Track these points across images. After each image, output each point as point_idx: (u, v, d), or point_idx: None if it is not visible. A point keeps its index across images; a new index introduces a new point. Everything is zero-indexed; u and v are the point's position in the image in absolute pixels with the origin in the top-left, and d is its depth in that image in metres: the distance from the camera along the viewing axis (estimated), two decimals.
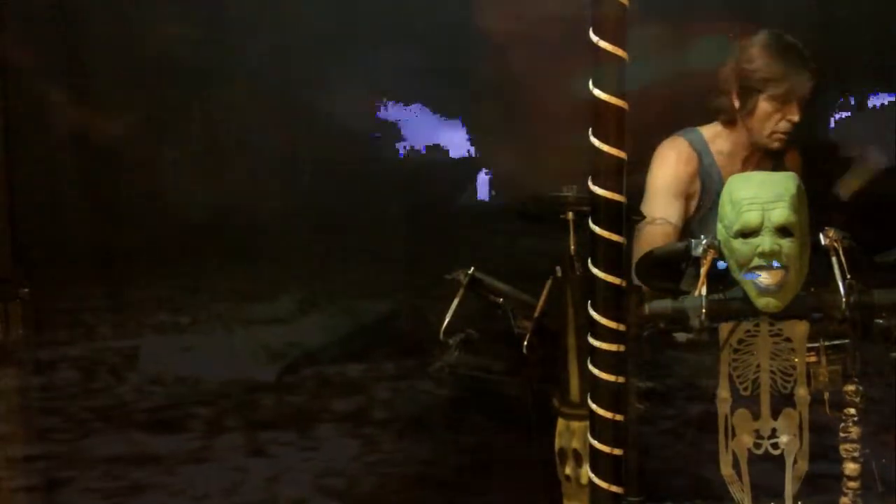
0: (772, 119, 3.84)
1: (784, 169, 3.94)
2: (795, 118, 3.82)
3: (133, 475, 4.52)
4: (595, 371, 2.79)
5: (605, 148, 2.71)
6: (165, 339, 5.43)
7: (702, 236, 3.19)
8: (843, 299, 3.04)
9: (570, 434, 3.28)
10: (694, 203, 3.92)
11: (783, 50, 3.81)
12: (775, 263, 2.99)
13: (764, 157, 3.93)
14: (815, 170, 3.99)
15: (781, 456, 3.14)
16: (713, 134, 3.94)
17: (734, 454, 3.14)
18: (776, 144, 3.87)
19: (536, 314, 3.38)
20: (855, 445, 3.09)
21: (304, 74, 5.07)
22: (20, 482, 4.44)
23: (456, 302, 3.44)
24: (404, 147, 5.07)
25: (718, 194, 3.83)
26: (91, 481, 4.50)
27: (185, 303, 5.37)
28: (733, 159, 3.91)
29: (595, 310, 2.77)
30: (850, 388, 3.10)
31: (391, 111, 5.01)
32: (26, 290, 5.00)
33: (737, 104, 3.86)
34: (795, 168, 4.01)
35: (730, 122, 3.91)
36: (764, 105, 3.83)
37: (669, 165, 3.90)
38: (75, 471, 4.61)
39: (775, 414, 3.14)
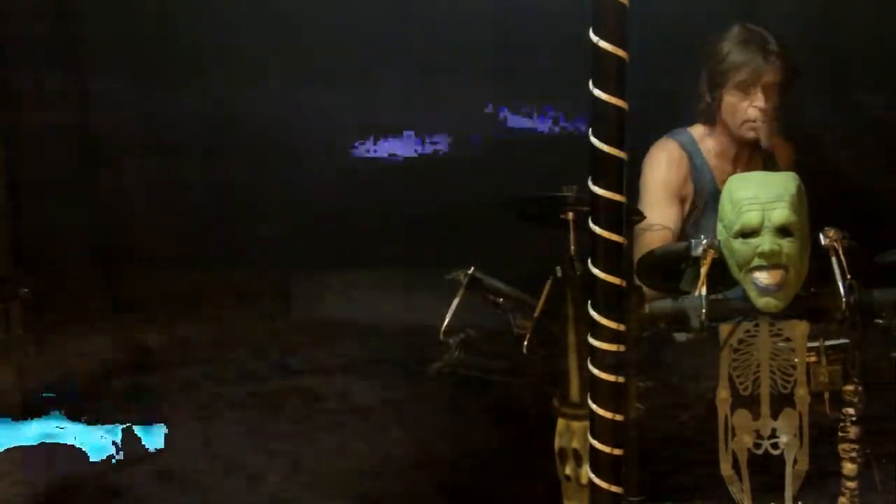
0: (739, 109, 3.83)
1: (775, 164, 3.93)
2: (761, 104, 3.80)
3: None
4: (595, 371, 2.78)
5: (605, 148, 2.71)
6: None
7: (702, 236, 3.19)
8: (843, 299, 3.04)
9: (570, 434, 3.28)
10: (687, 205, 3.91)
11: (746, 39, 3.81)
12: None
13: (754, 154, 3.93)
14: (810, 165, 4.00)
15: (781, 456, 3.14)
16: (702, 133, 3.94)
17: (734, 454, 3.14)
18: (750, 134, 3.85)
19: (536, 314, 3.38)
20: (853, 445, 3.09)
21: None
22: None
23: (456, 302, 3.44)
24: None
25: (711, 194, 3.85)
26: None
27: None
28: (723, 158, 3.92)
29: (595, 310, 2.77)
30: (850, 388, 3.10)
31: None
32: (26, 290, 5.00)
33: (708, 100, 3.88)
34: (787, 162, 4.01)
35: (710, 121, 3.92)
36: (729, 96, 3.83)
37: (661, 169, 3.90)
38: None
39: (775, 414, 3.14)
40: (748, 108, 3.81)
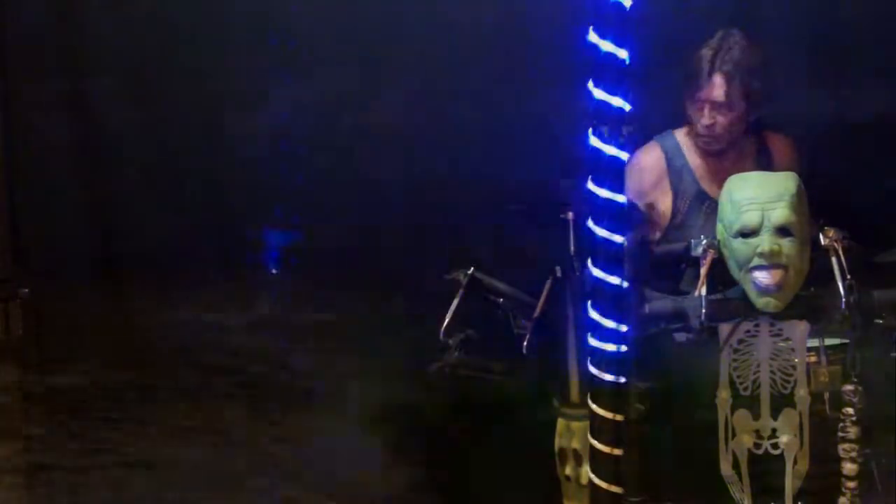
0: (695, 118, 3.84)
1: (771, 160, 3.93)
2: (705, 121, 3.79)
3: None
4: (595, 371, 2.79)
5: (605, 148, 2.72)
6: None
7: (701, 236, 3.19)
8: (843, 299, 3.04)
9: (570, 434, 3.28)
10: (668, 208, 3.90)
11: (710, 47, 3.81)
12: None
13: (743, 152, 3.92)
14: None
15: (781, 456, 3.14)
16: (685, 136, 3.94)
17: (734, 454, 3.14)
18: (703, 145, 3.87)
19: (536, 314, 3.38)
20: (853, 445, 3.09)
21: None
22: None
23: (456, 302, 3.44)
24: None
25: (696, 196, 3.83)
26: None
27: None
28: (706, 158, 3.91)
29: (595, 310, 2.78)
30: (850, 388, 3.10)
31: None
32: (26, 290, 5.00)
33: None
34: (786, 159, 4.00)
35: (690, 123, 3.93)
36: (687, 104, 3.85)
37: (633, 171, 3.89)
38: None
39: (775, 414, 3.14)
40: (699, 122, 3.82)
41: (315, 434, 4.63)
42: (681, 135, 3.94)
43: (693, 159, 3.90)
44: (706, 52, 3.79)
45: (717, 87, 3.76)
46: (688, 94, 3.83)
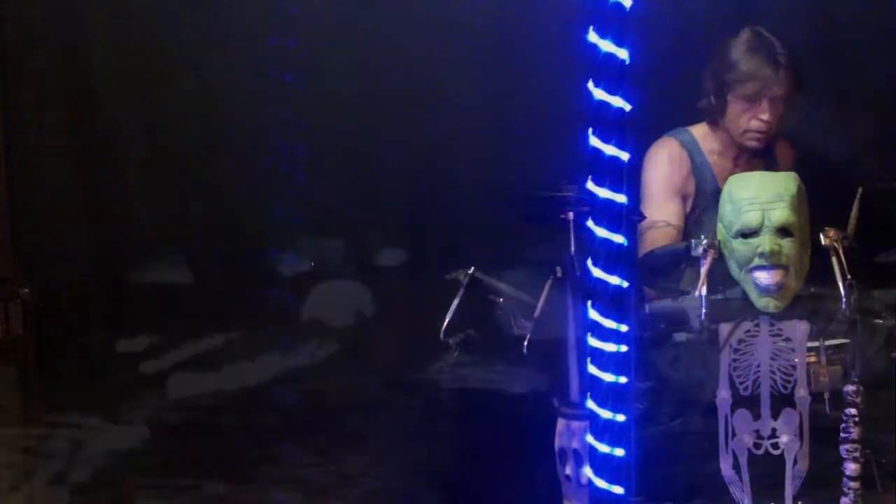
0: (743, 118, 3.81)
1: (776, 164, 3.93)
2: (766, 116, 3.78)
3: None
4: (595, 371, 2.79)
5: (606, 148, 2.71)
6: None
7: (702, 236, 3.19)
8: (843, 299, 3.05)
9: (570, 434, 3.28)
10: (689, 203, 3.90)
11: (755, 48, 3.77)
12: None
13: (755, 155, 3.92)
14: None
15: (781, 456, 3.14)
16: (703, 133, 3.92)
17: (734, 454, 3.14)
18: (752, 143, 3.84)
19: (536, 314, 3.38)
20: (856, 445, 3.09)
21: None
22: None
23: (456, 302, 3.44)
24: None
25: (712, 194, 3.83)
26: None
27: None
28: (724, 158, 3.90)
29: (595, 310, 2.78)
30: (853, 388, 3.10)
31: None
32: (26, 290, 5.01)
33: (713, 103, 3.86)
34: (788, 162, 4.00)
35: (713, 123, 3.90)
36: (734, 104, 3.81)
37: (662, 166, 3.88)
38: None
39: (775, 414, 3.14)
40: (751, 119, 3.80)
41: None
42: (697, 132, 3.93)
43: (711, 157, 3.90)
44: (756, 50, 3.76)
45: (784, 83, 3.75)
46: (735, 92, 3.79)
